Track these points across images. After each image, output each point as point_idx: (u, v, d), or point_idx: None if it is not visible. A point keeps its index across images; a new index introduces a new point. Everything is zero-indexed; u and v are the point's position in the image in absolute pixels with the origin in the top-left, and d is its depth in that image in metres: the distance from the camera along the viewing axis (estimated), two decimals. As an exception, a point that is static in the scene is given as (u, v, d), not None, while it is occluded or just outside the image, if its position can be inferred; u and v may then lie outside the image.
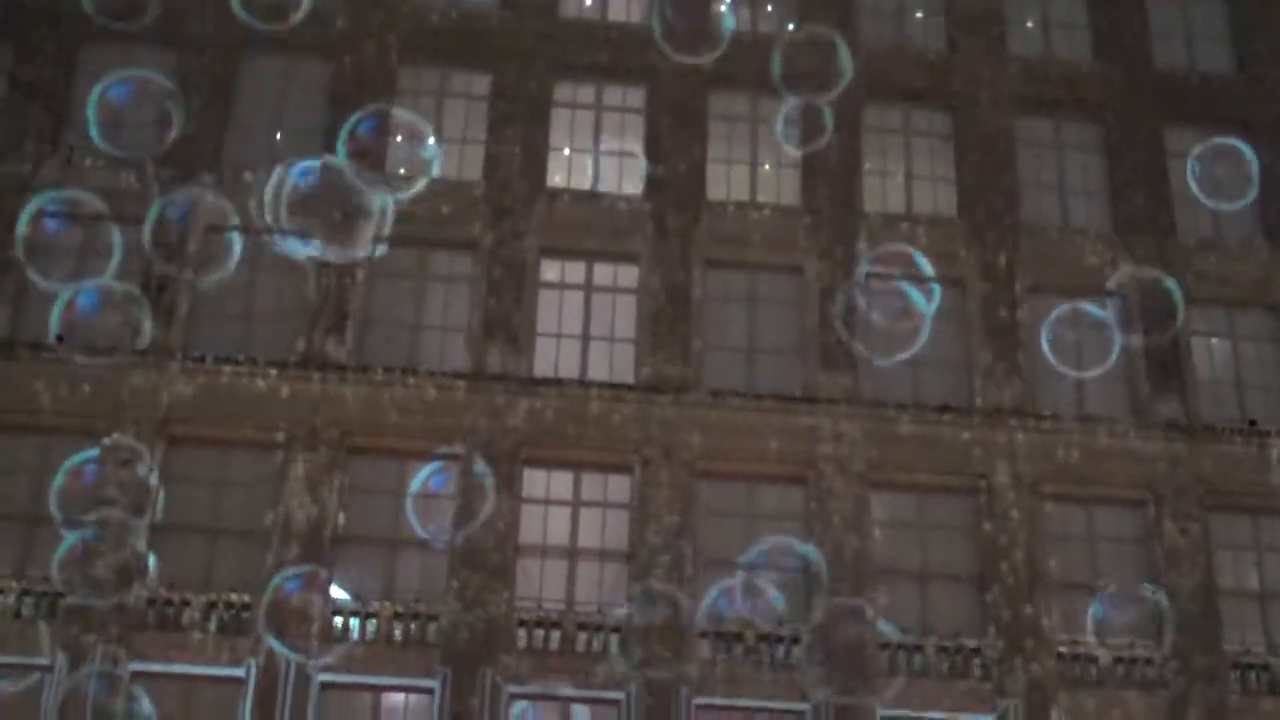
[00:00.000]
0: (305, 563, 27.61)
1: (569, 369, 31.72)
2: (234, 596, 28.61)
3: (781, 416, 31.18)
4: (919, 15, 36.70)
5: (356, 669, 28.31)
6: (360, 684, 28.53)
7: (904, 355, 14.05)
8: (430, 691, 28.43)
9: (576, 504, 30.68)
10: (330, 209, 12.39)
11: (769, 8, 35.76)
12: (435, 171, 14.43)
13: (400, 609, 29.10)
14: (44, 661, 27.78)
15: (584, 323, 32.39)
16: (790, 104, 13.89)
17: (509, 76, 34.45)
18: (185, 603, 28.69)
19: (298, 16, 13.21)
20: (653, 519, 30.00)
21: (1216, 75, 36.41)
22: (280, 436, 30.12)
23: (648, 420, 30.95)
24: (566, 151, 34.10)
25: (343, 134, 13.86)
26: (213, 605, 28.72)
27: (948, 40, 36.30)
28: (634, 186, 33.62)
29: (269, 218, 12.35)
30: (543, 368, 31.61)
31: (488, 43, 34.76)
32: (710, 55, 13.75)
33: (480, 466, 24.14)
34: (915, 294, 13.81)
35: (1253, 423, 32.29)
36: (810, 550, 15.10)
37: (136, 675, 27.04)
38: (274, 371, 30.68)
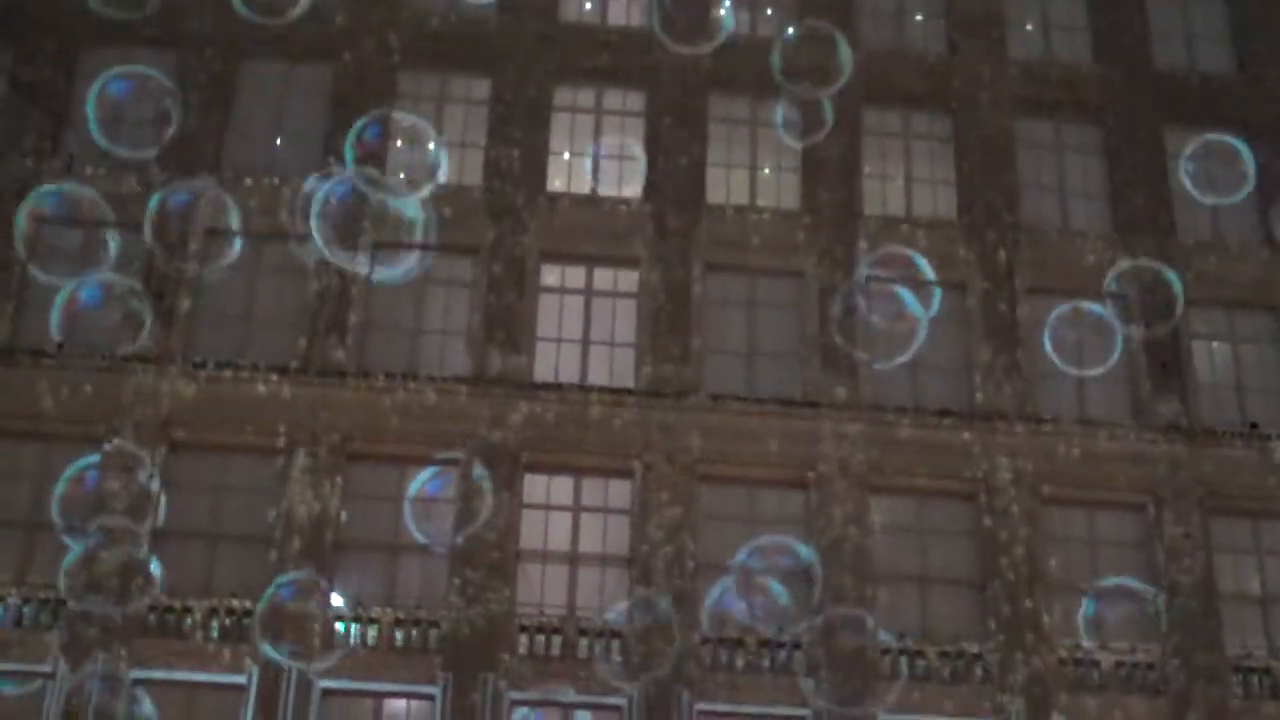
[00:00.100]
0: (306, 568, 27.60)
1: (569, 373, 31.70)
2: (235, 602, 28.58)
3: (782, 420, 31.16)
4: (919, 18, 36.69)
5: (358, 675, 28.29)
6: (362, 690, 28.52)
7: (900, 359, 14.04)
8: (431, 698, 28.41)
9: (577, 509, 30.66)
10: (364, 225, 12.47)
11: (768, 11, 35.74)
12: (442, 176, 14.45)
13: (401, 614, 29.08)
14: (46, 669, 27.74)
15: (584, 327, 32.38)
16: (790, 97, 13.88)
17: (509, 80, 34.45)
18: (187, 609, 28.67)
19: (296, 11, 13.23)
20: (653, 523, 29.97)
21: (1216, 76, 36.40)
22: (281, 441, 30.11)
23: (648, 424, 30.93)
24: (566, 155, 34.08)
25: (349, 139, 13.86)
26: (214, 611, 28.70)
27: (947, 42, 36.29)
28: (634, 190, 33.59)
29: (315, 232, 12.37)
30: (543, 372, 31.59)
31: (487, 46, 34.75)
32: (709, 47, 13.75)
33: (479, 470, 24.14)
34: (910, 298, 13.80)
35: (1254, 425, 32.26)
36: (805, 549, 15.08)
37: (138, 682, 27.06)
38: (275, 376, 30.67)
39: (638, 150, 33.64)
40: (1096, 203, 34.73)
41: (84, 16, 33.05)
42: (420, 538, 17.32)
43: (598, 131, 34.43)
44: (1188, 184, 14.50)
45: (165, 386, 30.34)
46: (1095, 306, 13.99)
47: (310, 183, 12.56)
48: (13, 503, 29.22)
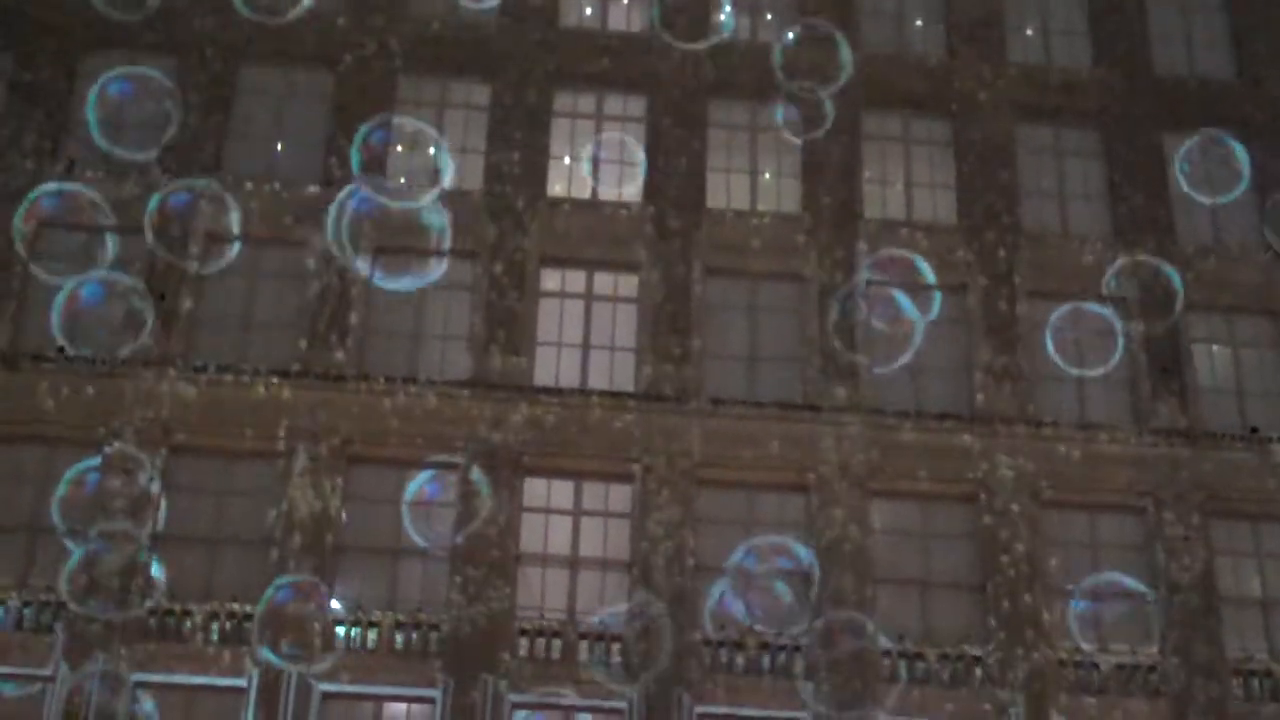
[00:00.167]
0: (307, 572, 27.62)
1: (570, 377, 31.72)
2: (235, 606, 28.58)
3: (782, 424, 31.19)
4: (919, 22, 36.74)
5: (358, 678, 28.30)
6: (362, 693, 28.53)
7: (897, 363, 14.05)
8: (432, 701, 28.41)
9: (578, 512, 30.67)
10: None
11: (769, 16, 35.77)
12: (447, 181, 14.48)
13: (402, 617, 29.09)
14: (46, 672, 27.74)
15: (584, 331, 32.40)
16: (791, 93, 13.91)
17: (509, 85, 34.48)
18: (187, 612, 28.68)
19: (297, 11, 13.26)
20: (654, 527, 29.99)
21: (1215, 80, 36.44)
22: (281, 445, 30.13)
23: (648, 428, 30.95)
24: (567, 160, 34.11)
25: (355, 144, 13.90)
26: (214, 615, 28.71)
27: (947, 47, 36.33)
28: (634, 194, 33.62)
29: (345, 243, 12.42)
30: (543, 375, 31.61)
31: (488, 51, 34.79)
32: (708, 44, 13.82)
33: (479, 474, 24.15)
34: (907, 302, 13.81)
35: (1254, 429, 32.28)
36: (801, 548, 15.08)
37: (139, 685, 27.10)
38: (275, 379, 30.70)
39: (638, 154, 33.67)
40: (1096, 206, 34.77)
41: (84, 20, 33.27)
42: (417, 540, 17.34)
43: (598, 136, 34.45)
44: (1183, 183, 14.54)
45: (166, 390, 30.36)
46: (1095, 305, 14.02)
47: (339, 193, 12.62)
48: (14, 506, 29.24)
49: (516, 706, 28.12)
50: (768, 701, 28.60)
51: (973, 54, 36.05)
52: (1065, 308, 14.16)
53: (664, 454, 30.73)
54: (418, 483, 16.95)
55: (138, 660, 27.92)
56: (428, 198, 13.11)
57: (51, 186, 15.02)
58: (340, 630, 28.56)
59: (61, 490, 17.06)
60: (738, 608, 14.85)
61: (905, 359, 13.99)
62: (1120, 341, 13.86)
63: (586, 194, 33.69)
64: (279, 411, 30.36)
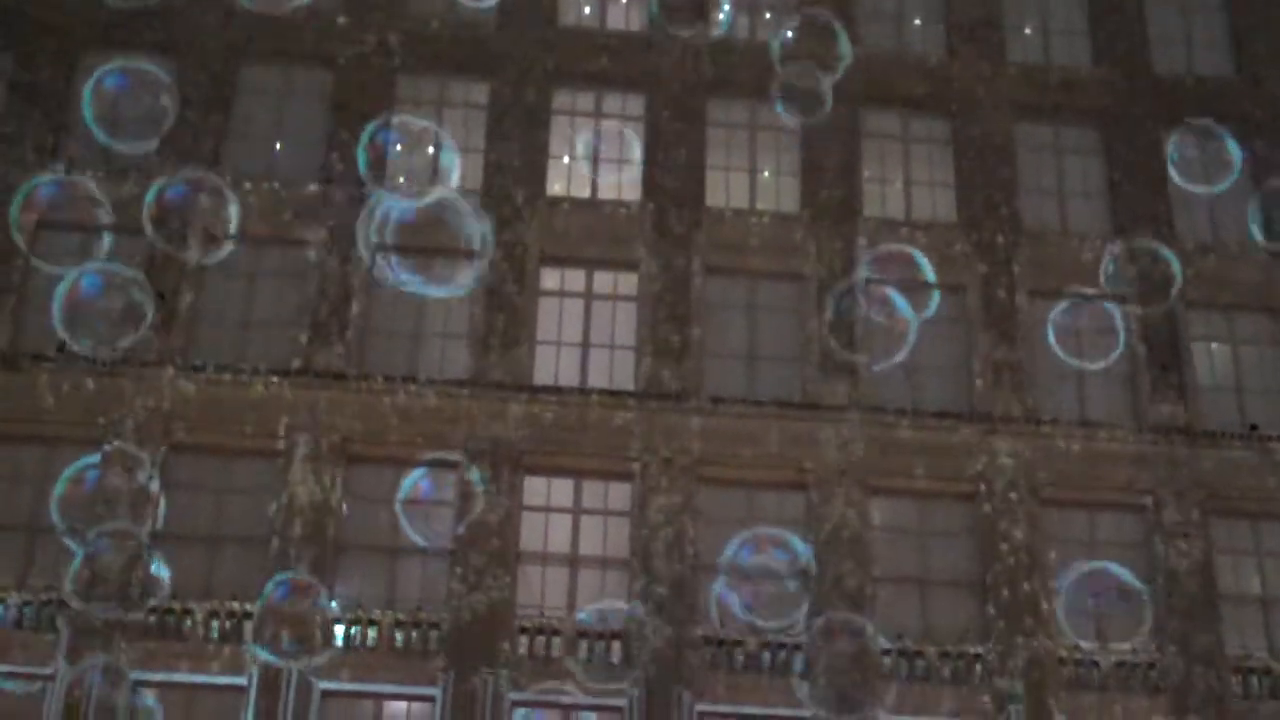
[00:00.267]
0: (306, 570, 27.61)
1: (569, 376, 31.74)
2: (235, 605, 28.60)
3: (781, 422, 31.20)
4: (918, 22, 36.75)
5: (358, 676, 28.32)
6: (362, 691, 28.55)
7: (893, 360, 14.05)
8: (432, 699, 28.43)
9: (577, 511, 30.69)
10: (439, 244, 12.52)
11: (768, 15, 35.78)
12: (454, 180, 14.48)
13: (402, 616, 29.10)
14: (47, 671, 27.76)
15: (584, 330, 32.42)
16: (789, 76, 13.86)
17: (508, 84, 34.50)
18: (187, 611, 28.70)
19: (295, 1, 13.24)
20: (653, 525, 30.00)
21: (1215, 79, 36.45)
22: (281, 444, 30.14)
23: (648, 426, 30.97)
24: (566, 159, 34.13)
25: (360, 143, 13.88)
26: (214, 613, 28.72)
27: (947, 46, 36.34)
28: (634, 193, 33.65)
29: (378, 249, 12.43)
30: (543, 375, 31.63)
31: (487, 50, 34.80)
32: (709, 32, 13.86)
33: (478, 472, 24.15)
34: (901, 300, 13.79)
35: (1254, 427, 32.29)
36: (797, 540, 15.05)
37: (139, 683, 27.08)
38: (275, 378, 30.71)
39: (637, 153, 33.67)
40: (1095, 204, 34.79)
41: (85, 20, 33.37)
42: (412, 536, 17.31)
43: (597, 135, 34.45)
44: (1174, 174, 14.55)
45: (166, 388, 30.38)
46: (1094, 292, 14.00)
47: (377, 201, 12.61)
48: (14, 505, 29.26)
49: (516, 704, 28.13)
50: (767, 699, 28.61)
51: (972, 53, 36.06)
52: (1066, 299, 14.17)
53: (663, 452, 30.75)
54: (412, 480, 16.92)
55: (138, 658, 27.91)
56: (450, 195, 13.09)
57: (48, 176, 15.02)
58: (340, 628, 28.59)
59: (60, 489, 17.02)
60: (732, 600, 14.82)
61: (900, 357, 13.98)
62: (1120, 330, 13.85)
63: (586, 192, 33.71)
64: (278, 410, 30.38)
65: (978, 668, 29.59)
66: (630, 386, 31.60)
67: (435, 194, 12.67)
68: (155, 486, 28.11)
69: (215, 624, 28.66)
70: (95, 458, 23.34)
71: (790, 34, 13.79)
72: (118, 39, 31.45)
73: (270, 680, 27.76)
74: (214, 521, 29.74)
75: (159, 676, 27.62)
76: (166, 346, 30.60)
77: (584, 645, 28.85)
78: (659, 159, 33.79)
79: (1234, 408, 32.81)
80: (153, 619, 28.53)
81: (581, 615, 28.86)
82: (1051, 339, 14.42)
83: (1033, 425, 31.60)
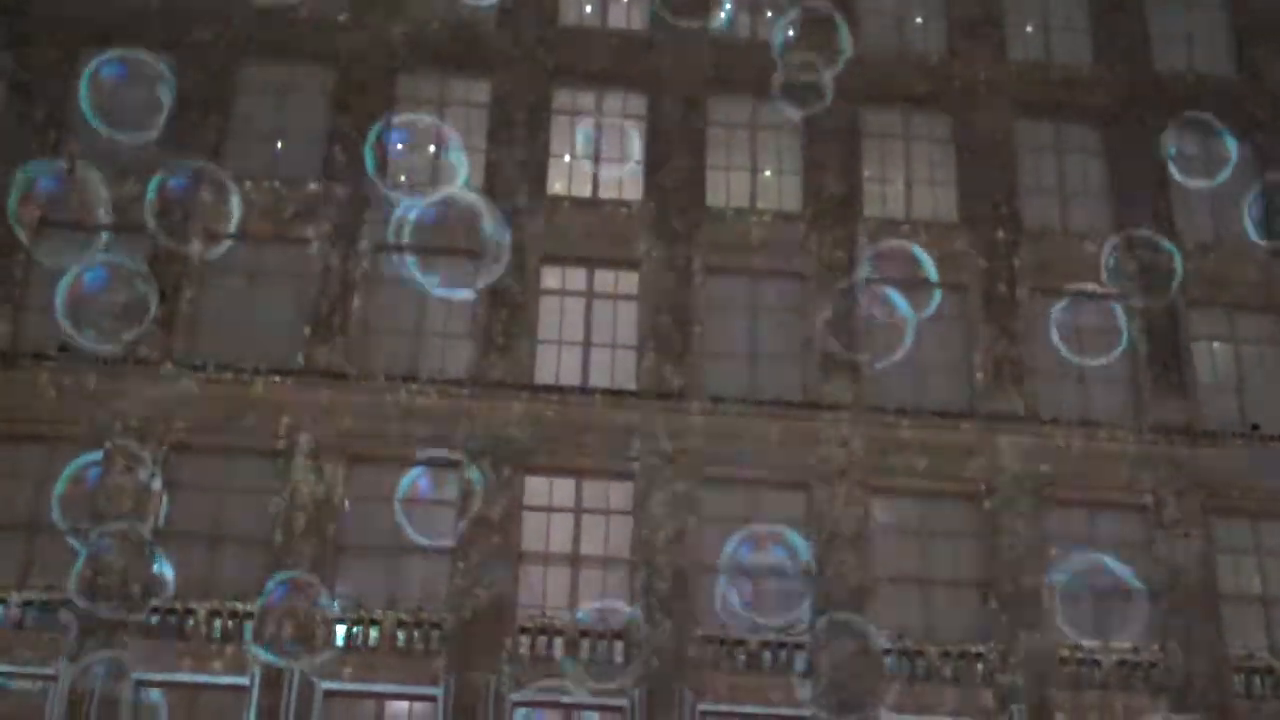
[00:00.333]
0: (308, 570, 27.59)
1: (570, 375, 31.72)
2: (237, 604, 28.57)
3: (783, 421, 31.19)
4: (919, 20, 36.73)
5: (360, 676, 28.30)
6: (364, 691, 28.52)
7: (891, 359, 14.04)
8: (434, 699, 28.41)
9: (579, 510, 30.66)
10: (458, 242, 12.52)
11: (769, 14, 35.75)
12: (462, 179, 14.48)
13: (404, 616, 29.08)
14: (49, 671, 27.74)
15: (585, 329, 32.40)
16: (790, 64, 13.86)
17: (509, 83, 34.48)
18: (189, 611, 28.67)
19: None
20: (655, 525, 29.98)
21: (1216, 77, 36.42)
22: (282, 443, 30.13)
23: (649, 425, 30.95)
24: (567, 158, 34.11)
25: (367, 142, 13.89)
26: (216, 613, 28.70)
27: (948, 44, 36.33)
28: (635, 192, 33.64)
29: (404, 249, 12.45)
30: (544, 374, 31.61)
31: (487, 49, 34.79)
32: (711, 21, 13.87)
33: (479, 472, 24.16)
34: (900, 298, 13.79)
35: (1256, 427, 32.27)
36: (796, 536, 15.04)
37: (141, 683, 27.09)
38: (276, 378, 30.69)
39: (638, 152, 33.68)
40: (1096, 203, 34.76)
41: (85, 19, 33.37)
42: (411, 535, 17.29)
43: (598, 134, 34.44)
44: (1171, 169, 14.56)
45: (167, 387, 30.36)
46: (1094, 287, 14.02)
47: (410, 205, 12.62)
48: (15, 504, 29.24)
49: (518, 704, 28.11)
50: (769, 699, 28.59)
51: (973, 51, 36.05)
52: (1067, 294, 14.17)
53: (665, 452, 30.73)
54: (409, 479, 16.93)
55: (140, 658, 27.89)
56: (470, 196, 13.13)
57: (47, 164, 15.00)
58: (341, 628, 28.58)
59: (61, 487, 17.03)
60: (732, 597, 14.83)
61: (898, 355, 13.98)
62: (1123, 328, 13.86)
63: (587, 191, 33.70)
64: (279, 408, 30.37)
65: (979, 667, 29.57)
66: (631, 385, 31.59)
67: (456, 195, 12.69)
68: (157, 485, 28.13)
69: (218, 623, 28.64)
70: (97, 455, 23.41)
71: (791, 26, 13.80)
72: (119, 38, 31.29)
73: (272, 680, 27.74)
74: (215, 521, 29.70)
75: (161, 676, 27.60)
76: (167, 345, 30.59)
77: (586, 645, 29.02)
78: (660, 158, 33.79)
79: (1235, 407, 32.78)
80: (155, 619, 28.50)
81: (582, 615, 28.90)
82: (1054, 336, 14.42)
83: (1034, 424, 31.58)
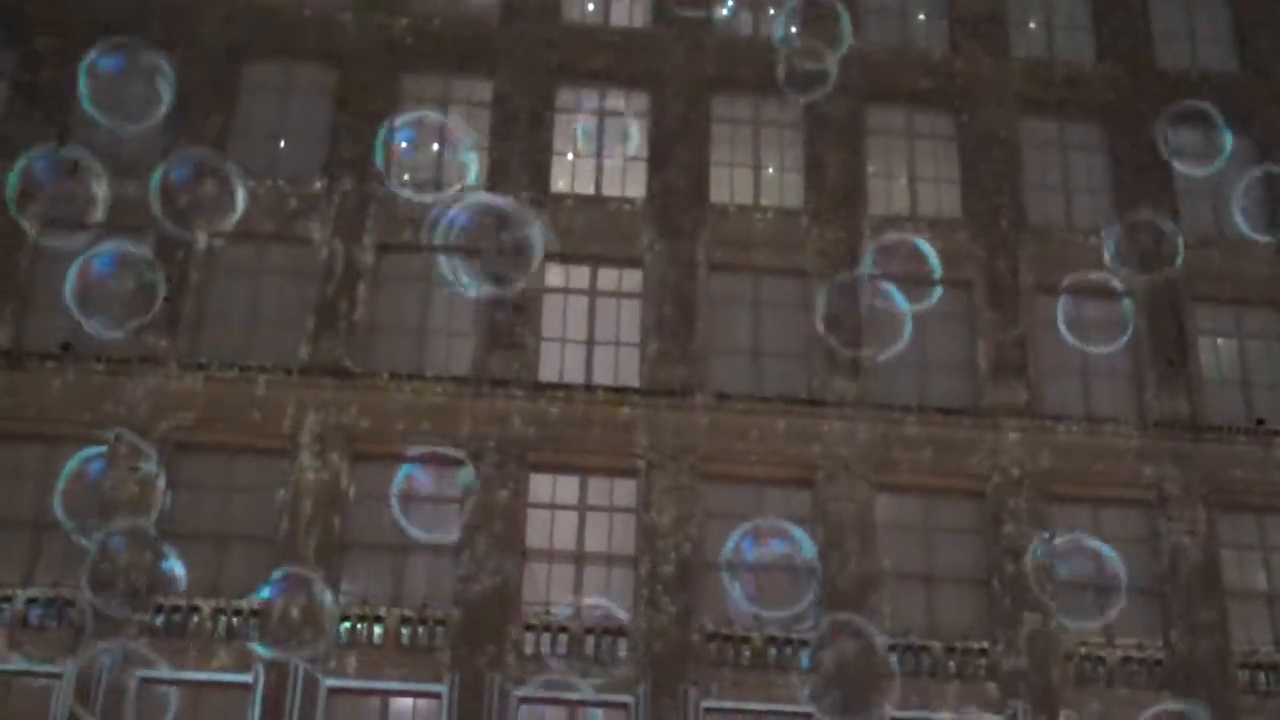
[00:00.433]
0: (312, 567, 27.61)
1: (574, 373, 31.74)
2: (241, 602, 28.58)
3: (787, 418, 31.19)
4: (922, 17, 36.74)
5: (365, 673, 28.31)
6: (368, 689, 28.53)
7: (889, 353, 14.05)
8: (438, 696, 28.40)
9: (583, 508, 30.68)
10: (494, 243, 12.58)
11: (771, 12, 35.74)
12: (473, 177, 14.50)
13: (408, 612, 29.08)
14: (54, 669, 27.74)
15: (589, 327, 32.41)
16: (792, 49, 13.87)
17: (511, 81, 34.50)
18: (193, 608, 28.69)
19: None
20: (659, 522, 29.99)
21: (1219, 74, 36.41)
22: (286, 440, 30.15)
23: (653, 423, 30.95)
24: (570, 156, 34.12)
25: (378, 140, 13.91)
26: (220, 611, 28.71)
27: (950, 42, 36.34)
28: (638, 190, 33.66)
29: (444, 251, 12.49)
30: (548, 372, 31.62)
31: (490, 48, 34.81)
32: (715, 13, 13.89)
33: (482, 470, 24.15)
34: (898, 294, 13.79)
35: (1260, 421, 32.25)
36: (799, 531, 15.03)
37: (145, 681, 27.09)
38: (280, 375, 30.71)
39: (641, 150, 33.71)
40: (1100, 200, 34.76)
41: (86, 19, 33.37)
42: (409, 529, 17.26)
43: (601, 132, 34.47)
44: (1165, 157, 14.59)
45: (171, 387, 30.38)
46: (1097, 275, 14.04)
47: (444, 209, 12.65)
48: (19, 503, 29.27)
49: (523, 701, 28.10)
50: (774, 695, 28.60)
51: (976, 48, 36.06)
52: (1072, 284, 14.18)
53: (669, 448, 30.74)
54: (404, 472, 16.92)
55: (144, 656, 27.89)
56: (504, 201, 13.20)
57: (39, 150, 15.01)
58: (345, 625, 28.58)
59: (64, 484, 17.04)
60: (736, 592, 14.83)
61: (896, 350, 13.99)
62: (1127, 318, 13.88)
63: (590, 189, 33.72)
64: (283, 406, 30.39)
65: (983, 662, 29.56)
66: (635, 383, 31.60)
67: (488, 197, 12.76)
68: (161, 482, 28.14)
69: (222, 620, 28.65)
70: (100, 449, 23.38)
71: (793, 17, 13.82)
72: (121, 36, 31.39)
73: (277, 678, 27.74)
74: (220, 519, 29.72)
75: (166, 674, 27.58)
76: (171, 343, 30.61)
77: (590, 641, 29.03)
78: (663, 155, 33.81)
79: (1240, 402, 32.77)
80: (159, 617, 28.52)
81: (587, 611, 28.90)
82: (1061, 325, 14.44)
83: (1038, 420, 31.57)
